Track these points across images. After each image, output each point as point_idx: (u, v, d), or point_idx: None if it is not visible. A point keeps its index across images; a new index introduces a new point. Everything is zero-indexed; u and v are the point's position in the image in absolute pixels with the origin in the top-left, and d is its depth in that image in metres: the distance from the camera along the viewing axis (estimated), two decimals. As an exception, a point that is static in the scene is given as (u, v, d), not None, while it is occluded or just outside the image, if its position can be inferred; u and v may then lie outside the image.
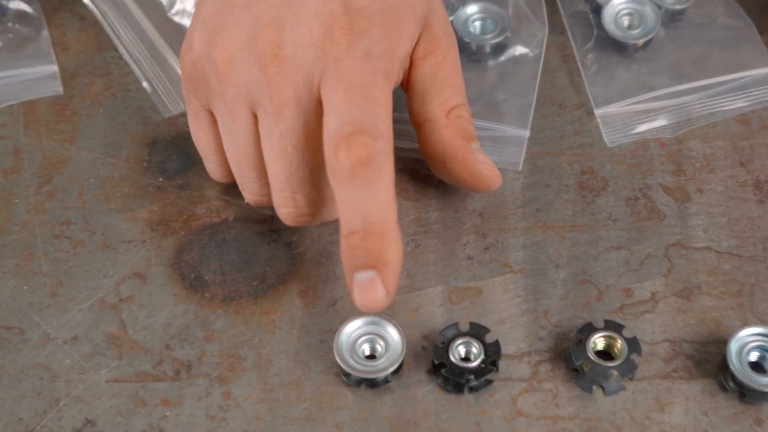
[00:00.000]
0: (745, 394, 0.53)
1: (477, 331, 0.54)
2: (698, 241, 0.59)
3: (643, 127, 0.63)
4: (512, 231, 0.59)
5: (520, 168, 0.61)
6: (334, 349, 0.53)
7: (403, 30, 0.54)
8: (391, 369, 0.52)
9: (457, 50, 0.58)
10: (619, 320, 0.55)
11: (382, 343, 0.54)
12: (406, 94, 0.58)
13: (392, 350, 0.53)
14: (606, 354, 0.54)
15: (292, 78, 0.52)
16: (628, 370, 0.53)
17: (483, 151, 0.57)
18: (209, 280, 0.57)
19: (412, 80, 0.57)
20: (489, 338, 0.54)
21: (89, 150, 0.63)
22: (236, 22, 0.53)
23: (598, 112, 0.63)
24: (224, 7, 0.54)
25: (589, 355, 0.53)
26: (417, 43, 0.56)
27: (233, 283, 0.57)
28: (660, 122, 0.63)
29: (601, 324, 0.54)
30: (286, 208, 0.55)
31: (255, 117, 0.54)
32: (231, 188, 0.61)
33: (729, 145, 0.63)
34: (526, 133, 0.62)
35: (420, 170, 0.61)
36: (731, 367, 0.52)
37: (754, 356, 0.54)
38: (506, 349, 0.55)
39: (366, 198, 0.49)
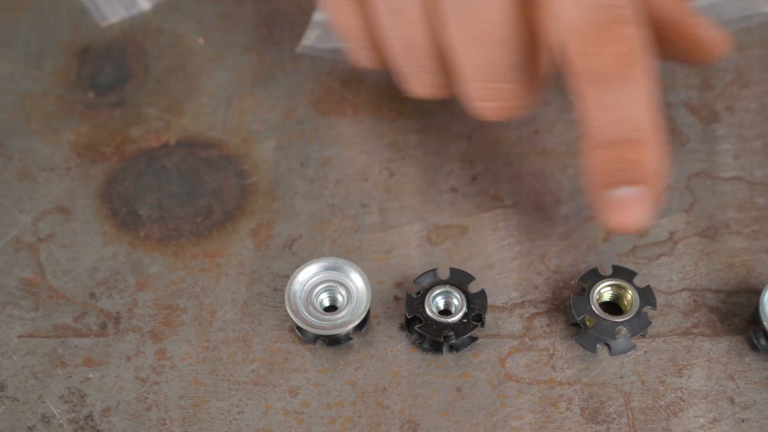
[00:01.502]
0: (780, 354, 0.44)
1: (459, 279, 0.45)
2: (727, 170, 0.49)
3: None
4: (505, 158, 0.50)
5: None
6: (286, 300, 0.44)
7: None
8: (354, 323, 0.44)
9: None
10: (630, 266, 0.46)
11: (343, 292, 0.45)
12: None
13: (356, 301, 0.44)
14: (614, 306, 0.46)
15: None
16: (640, 326, 0.44)
17: (692, 10, 0.46)
18: (144, 215, 0.49)
19: None
20: (473, 287, 0.45)
21: (7, 60, 0.53)
22: None
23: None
24: None
25: (593, 308, 0.44)
26: None
27: (172, 220, 0.48)
28: (684, 26, 0.53)
29: (609, 270, 0.45)
30: (487, 101, 0.44)
31: None
32: (174, 106, 0.52)
33: (766, 54, 0.53)
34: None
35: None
36: (764, 322, 0.43)
37: (792, 310, 0.45)
38: (494, 300, 0.46)
39: (629, 102, 0.40)
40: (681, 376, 0.44)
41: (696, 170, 0.49)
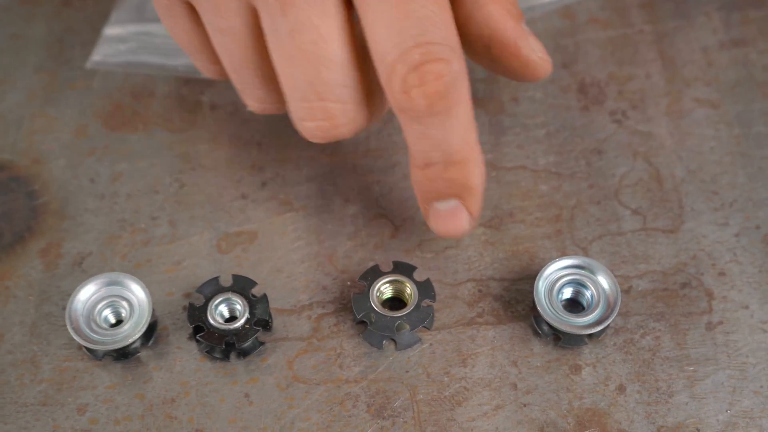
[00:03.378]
0: (559, 337, 0.45)
1: (242, 285, 0.45)
2: (512, 160, 0.50)
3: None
4: (295, 161, 0.50)
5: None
6: (67, 319, 0.44)
7: None
8: (136, 336, 0.44)
9: None
10: (417, 260, 0.47)
11: (126, 305, 0.45)
12: None
13: (137, 313, 0.44)
14: (399, 302, 0.46)
15: None
16: (421, 318, 0.45)
17: (532, 32, 0.46)
18: (-69, 243, 0.48)
19: None
20: (256, 292, 0.45)
21: None
22: None
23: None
24: None
25: (373, 305, 0.45)
26: None
27: (-39, 245, 0.48)
28: (470, 22, 0.54)
29: (389, 267, 0.46)
30: (314, 121, 0.43)
31: (253, 10, 0.42)
32: (-37, 131, 0.51)
33: (550, 44, 0.54)
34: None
35: (189, 95, 0.52)
36: (539, 308, 0.44)
37: (568, 293, 0.46)
38: (283, 303, 0.46)
39: (445, 132, 0.41)
40: (465, 366, 0.45)
41: (482, 162, 0.50)
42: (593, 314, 0.44)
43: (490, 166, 0.50)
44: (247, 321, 0.45)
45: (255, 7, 0.42)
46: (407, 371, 0.45)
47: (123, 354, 0.45)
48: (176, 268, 0.47)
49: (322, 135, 0.44)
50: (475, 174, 0.43)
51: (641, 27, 0.54)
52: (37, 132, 0.51)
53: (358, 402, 0.44)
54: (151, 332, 0.45)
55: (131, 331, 0.44)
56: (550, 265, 0.45)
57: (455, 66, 0.40)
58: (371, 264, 0.47)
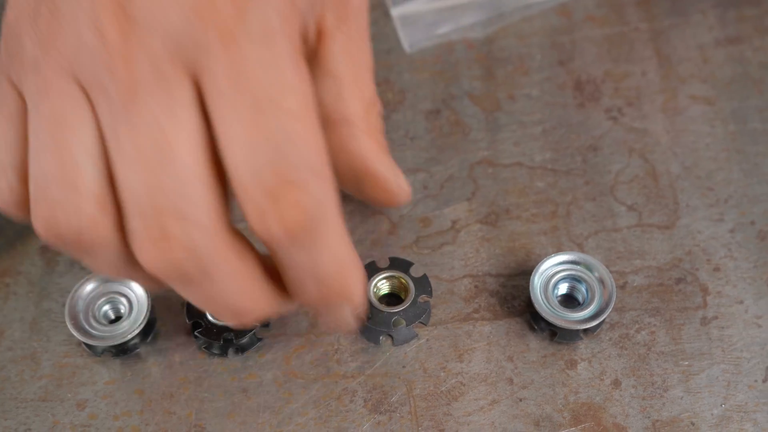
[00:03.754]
0: (555, 333, 0.45)
1: (240, 282, 0.46)
2: (508, 157, 0.50)
3: (447, 27, 0.54)
4: (293, 159, 0.51)
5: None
6: (66, 317, 0.44)
7: None
8: (135, 332, 0.44)
9: (367, 8, 0.42)
10: (414, 257, 0.47)
11: (125, 302, 0.45)
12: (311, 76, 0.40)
13: (136, 310, 0.45)
14: (396, 297, 0.47)
15: (147, 46, 0.35)
16: (417, 314, 0.45)
17: (390, 158, 0.43)
18: (-68, 240, 0.49)
19: (322, 59, 0.40)
20: (254, 289, 0.46)
21: None
22: None
23: (395, 11, 0.54)
24: None
25: (371, 301, 0.45)
26: (323, 6, 0.40)
27: (-38, 243, 0.49)
28: (468, 19, 0.54)
29: (386, 263, 0.46)
30: (156, 243, 0.35)
31: (90, 104, 0.36)
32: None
33: (547, 42, 0.54)
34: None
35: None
36: (535, 304, 0.45)
37: (563, 288, 0.46)
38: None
39: (315, 260, 0.36)
40: (462, 361, 0.45)
41: (478, 159, 0.50)
42: (589, 309, 0.45)
43: (487, 163, 0.50)
44: None
45: (92, 101, 0.36)
46: (404, 366, 0.45)
47: (122, 350, 0.45)
48: (175, 265, 0.48)
49: (161, 269, 0.36)
50: (355, 289, 0.38)
51: (637, 25, 0.54)
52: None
53: (356, 397, 0.44)
54: (149, 328, 0.45)
55: (130, 327, 0.44)
56: (545, 261, 0.45)
57: (318, 192, 0.35)
58: (369, 260, 0.47)
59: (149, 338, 0.46)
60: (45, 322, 0.46)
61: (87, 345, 0.45)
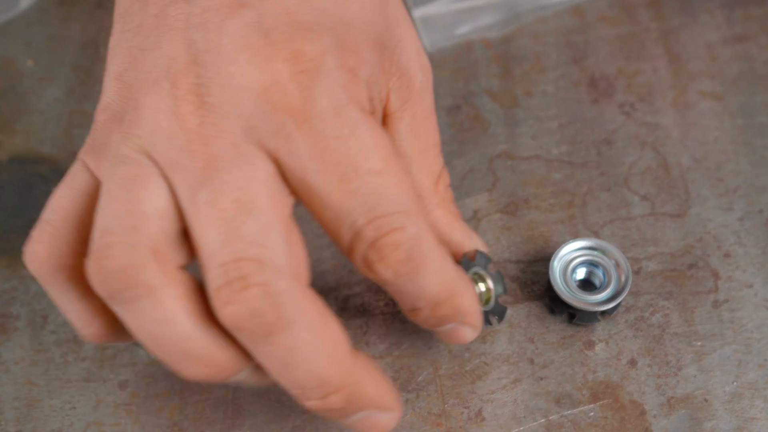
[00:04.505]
0: (574, 315, 0.47)
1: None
2: (526, 150, 0.53)
3: (466, 27, 0.57)
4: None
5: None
6: (109, 300, 0.47)
7: (362, 52, 0.40)
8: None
9: (431, 86, 0.45)
10: (437, 244, 0.50)
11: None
12: None
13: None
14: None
15: (224, 128, 0.37)
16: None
17: (463, 224, 0.46)
18: (-23, 231, 0.51)
19: (389, 128, 0.43)
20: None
21: None
22: (151, 66, 0.38)
23: (416, 12, 0.57)
24: (135, 56, 0.39)
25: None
26: (388, 87, 0.42)
27: (6, 233, 0.51)
28: (485, 20, 0.57)
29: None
30: (235, 290, 0.36)
31: (166, 177, 0.37)
32: (5, 125, 0.54)
33: (561, 41, 0.56)
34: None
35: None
36: (554, 286, 0.47)
37: (581, 273, 0.48)
38: (312, 284, 0.49)
39: (421, 286, 0.39)
40: (485, 342, 0.47)
41: (498, 152, 0.53)
42: (606, 292, 0.47)
43: (506, 156, 0.52)
44: None
45: (173, 186, 0.37)
46: (430, 348, 0.47)
47: (161, 333, 0.47)
48: (210, 253, 0.50)
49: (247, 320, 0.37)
50: (464, 302, 0.41)
51: (648, 24, 0.57)
52: (76, 127, 0.54)
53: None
54: (187, 312, 0.48)
55: (170, 311, 0.47)
56: (564, 246, 0.47)
57: (411, 229, 0.37)
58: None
59: (187, 322, 0.48)
60: (86, 308, 0.49)
61: (128, 328, 0.47)
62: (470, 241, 0.46)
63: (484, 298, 0.46)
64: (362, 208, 0.37)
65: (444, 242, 0.45)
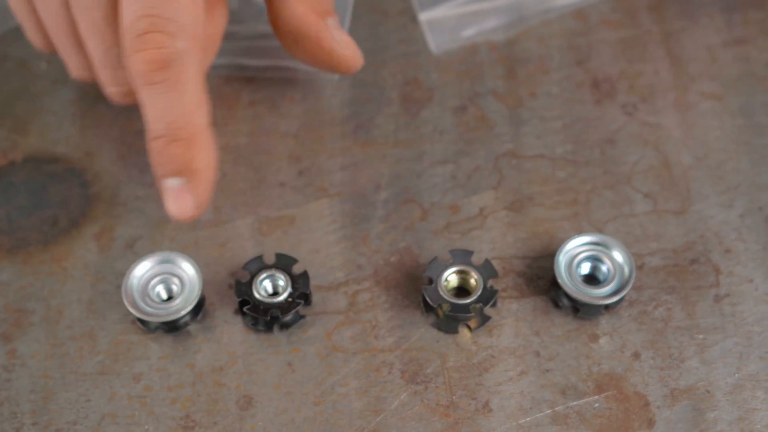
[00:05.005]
0: (578, 309, 0.48)
1: (284, 263, 0.49)
2: (531, 149, 0.54)
3: (471, 30, 0.58)
4: (329, 152, 0.54)
5: (336, 79, 0.56)
6: (123, 294, 0.48)
7: None
8: (188, 309, 0.47)
9: None
10: (444, 241, 0.51)
11: (177, 282, 0.48)
12: None
13: (188, 289, 0.48)
14: (463, 290, 0.49)
15: None
16: (488, 298, 0.48)
17: (341, 28, 0.51)
18: (-7, 228, 0.52)
19: None
20: (297, 269, 0.49)
21: None
22: None
23: (422, 16, 0.58)
24: None
25: (442, 294, 0.48)
26: None
27: (21, 230, 0.52)
28: (490, 23, 0.58)
29: (447, 257, 0.49)
30: (110, 86, 0.50)
31: None
32: (20, 126, 0.55)
33: (565, 44, 0.58)
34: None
35: (229, 93, 0.56)
36: (560, 281, 0.48)
37: (586, 268, 0.49)
38: (321, 280, 0.50)
39: (168, 103, 0.45)
40: (492, 336, 0.48)
41: (503, 151, 0.54)
42: (610, 286, 0.48)
43: (511, 155, 0.54)
44: (290, 295, 0.48)
45: None
46: (438, 341, 0.48)
47: (174, 327, 0.48)
48: (221, 250, 0.51)
49: (121, 99, 0.50)
50: (199, 157, 0.45)
51: (649, 27, 0.58)
52: (89, 126, 0.55)
53: (393, 369, 0.48)
54: (199, 307, 0.49)
55: (183, 305, 0.48)
56: (570, 241, 0.48)
57: (179, 43, 0.44)
58: (403, 244, 0.50)
59: (199, 317, 0.49)
60: (101, 303, 0.50)
61: (141, 322, 0.48)
62: (326, 36, 0.50)
63: (473, 288, 0.48)
64: (148, 2, 0.44)
65: (299, 35, 0.50)
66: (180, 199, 0.45)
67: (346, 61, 0.51)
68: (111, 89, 0.50)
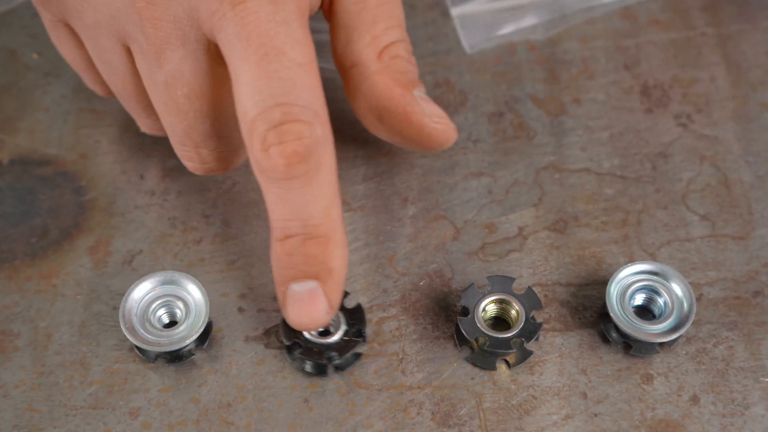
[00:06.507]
0: (630, 345, 0.43)
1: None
2: (575, 162, 0.49)
3: (508, 28, 0.53)
4: (352, 160, 0.49)
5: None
6: (120, 319, 0.42)
7: None
8: (192, 338, 0.42)
9: None
10: (479, 263, 0.45)
11: (181, 306, 0.43)
12: (328, 24, 0.45)
13: (194, 315, 0.43)
14: (502, 320, 0.44)
15: (169, 11, 0.40)
16: (532, 332, 0.43)
17: (430, 99, 0.45)
18: (-25, 238, 0.47)
19: (335, 8, 0.44)
20: (349, 302, 0.44)
21: None
22: None
23: (455, 11, 0.53)
24: None
25: (480, 326, 0.43)
26: None
27: (6, 242, 0.46)
28: (529, 20, 0.53)
29: (485, 281, 0.44)
30: (192, 162, 0.45)
31: (128, 50, 0.42)
32: (7, 123, 0.50)
33: (611, 45, 0.52)
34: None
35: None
36: (611, 314, 0.43)
37: (639, 299, 0.44)
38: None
39: (305, 198, 0.39)
40: (533, 374, 0.43)
41: (544, 164, 0.49)
42: (667, 322, 0.43)
43: (554, 168, 0.48)
44: (345, 333, 0.43)
45: (129, 49, 0.42)
46: (472, 378, 0.43)
47: (177, 356, 0.43)
48: (230, 268, 0.46)
49: (200, 171, 0.45)
50: (336, 255, 0.40)
51: (704, 29, 0.53)
52: (84, 126, 0.50)
53: (422, 409, 0.42)
54: (206, 335, 0.43)
55: (188, 333, 0.42)
56: (623, 270, 0.43)
57: (317, 130, 0.39)
58: (433, 266, 0.45)
59: (205, 344, 0.44)
60: (94, 326, 0.44)
61: (140, 350, 0.43)
62: (415, 109, 0.44)
63: (514, 320, 0.43)
64: (276, 90, 0.38)
65: (383, 110, 0.44)
66: (311, 305, 0.40)
67: (438, 136, 0.45)
68: (192, 165, 0.45)
